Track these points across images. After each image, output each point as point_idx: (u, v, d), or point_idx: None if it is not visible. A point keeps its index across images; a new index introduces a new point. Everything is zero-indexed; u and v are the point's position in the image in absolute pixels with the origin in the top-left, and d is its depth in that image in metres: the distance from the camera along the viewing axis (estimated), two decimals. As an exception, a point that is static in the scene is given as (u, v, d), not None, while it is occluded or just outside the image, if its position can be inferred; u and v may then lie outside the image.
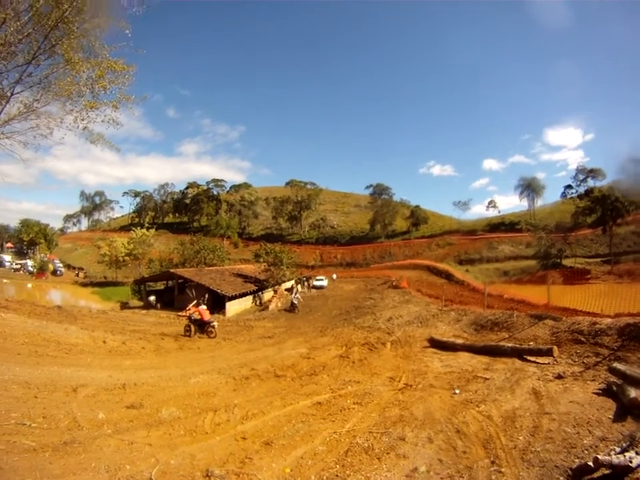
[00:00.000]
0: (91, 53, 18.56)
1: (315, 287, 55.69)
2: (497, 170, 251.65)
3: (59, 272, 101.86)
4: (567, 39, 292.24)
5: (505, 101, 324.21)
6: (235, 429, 7.78)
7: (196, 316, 21.20)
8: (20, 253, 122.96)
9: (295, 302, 35.82)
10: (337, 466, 6.27)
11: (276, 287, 45.23)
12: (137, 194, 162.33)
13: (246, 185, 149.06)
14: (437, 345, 16.67)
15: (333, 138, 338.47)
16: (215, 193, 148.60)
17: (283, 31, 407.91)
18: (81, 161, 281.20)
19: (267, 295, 43.76)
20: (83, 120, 18.85)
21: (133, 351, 16.03)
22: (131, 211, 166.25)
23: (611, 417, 7.46)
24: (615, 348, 11.58)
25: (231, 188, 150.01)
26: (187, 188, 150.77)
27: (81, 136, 19.86)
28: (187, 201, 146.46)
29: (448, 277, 68.53)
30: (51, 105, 18.89)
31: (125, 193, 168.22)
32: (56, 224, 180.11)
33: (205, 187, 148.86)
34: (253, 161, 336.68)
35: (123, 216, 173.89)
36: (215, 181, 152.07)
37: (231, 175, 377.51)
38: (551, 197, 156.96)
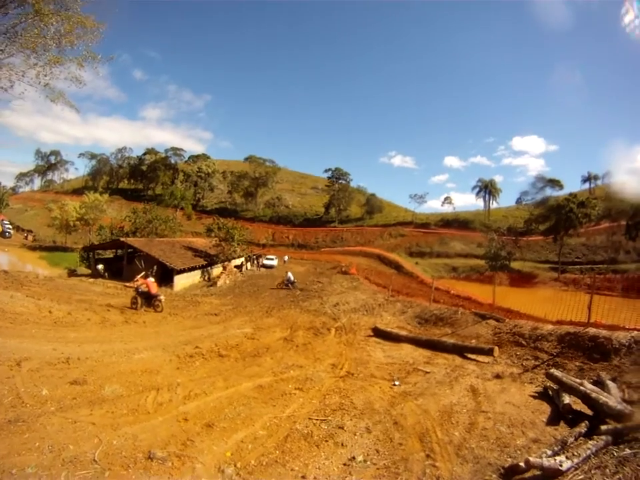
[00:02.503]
0: (62, 5, 17.82)
1: (264, 266, 55.46)
2: (457, 167, 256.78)
3: (7, 234, 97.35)
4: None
5: (474, 102, 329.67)
6: (177, 409, 7.78)
7: (143, 288, 20.81)
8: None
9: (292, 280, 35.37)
10: (277, 451, 6.36)
11: (225, 262, 44.86)
12: (93, 156, 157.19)
13: (204, 156, 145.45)
14: (381, 334, 16.91)
15: (297, 118, 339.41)
16: (173, 161, 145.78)
17: (257, 9, 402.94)
18: (40, 117, 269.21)
19: (216, 270, 43.40)
20: (45, 75, 18.15)
21: (79, 322, 15.71)
22: (86, 173, 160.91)
23: (544, 420, 7.78)
24: (554, 354, 12.04)
25: (189, 158, 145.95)
26: (144, 154, 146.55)
27: (41, 92, 19.08)
28: (144, 168, 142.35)
29: (397, 267, 69.42)
30: (14, 56, 18.07)
31: (81, 154, 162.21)
32: (8, 182, 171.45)
33: (163, 155, 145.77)
34: (215, 132, 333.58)
35: (77, 178, 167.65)
36: (173, 149, 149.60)
37: (191, 145, 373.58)
38: (506, 200, 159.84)
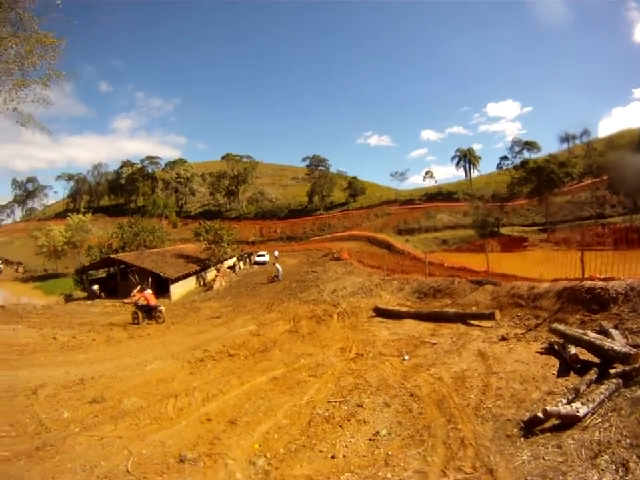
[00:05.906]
0: (19, 26, 17.56)
1: (257, 263, 55.44)
2: (434, 140, 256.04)
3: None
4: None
5: (443, 72, 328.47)
6: (198, 411, 7.87)
7: (142, 302, 20.83)
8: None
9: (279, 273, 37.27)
10: (303, 437, 6.46)
11: (218, 265, 44.84)
12: (70, 177, 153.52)
13: (181, 161, 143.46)
14: (383, 313, 17.02)
15: (269, 109, 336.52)
16: (150, 170, 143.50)
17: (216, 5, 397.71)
18: (10, 145, 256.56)
19: (211, 274, 43.42)
20: (12, 101, 17.92)
21: (85, 344, 15.75)
22: (65, 195, 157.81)
23: (555, 373, 7.92)
24: (554, 310, 12.17)
25: (166, 165, 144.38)
26: (121, 167, 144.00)
27: (10, 118, 18.81)
28: (122, 181, 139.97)
29: (388, 247, 69.44)
30: None
31: (58, 176, 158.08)
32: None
33: (140, 166, 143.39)
34: (189, 135, 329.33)
35: (57, 202, 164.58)
36: (149, 158, 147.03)
37: (167, 151, 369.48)
38: (487, 167, 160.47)
